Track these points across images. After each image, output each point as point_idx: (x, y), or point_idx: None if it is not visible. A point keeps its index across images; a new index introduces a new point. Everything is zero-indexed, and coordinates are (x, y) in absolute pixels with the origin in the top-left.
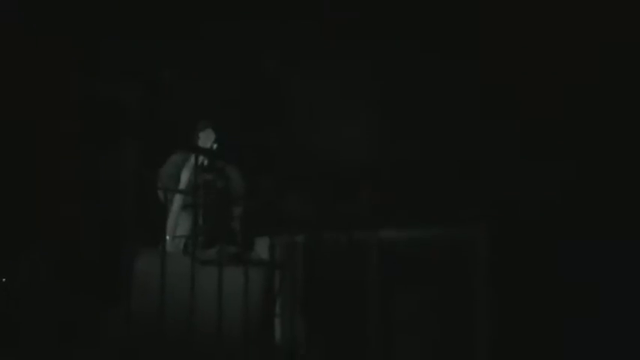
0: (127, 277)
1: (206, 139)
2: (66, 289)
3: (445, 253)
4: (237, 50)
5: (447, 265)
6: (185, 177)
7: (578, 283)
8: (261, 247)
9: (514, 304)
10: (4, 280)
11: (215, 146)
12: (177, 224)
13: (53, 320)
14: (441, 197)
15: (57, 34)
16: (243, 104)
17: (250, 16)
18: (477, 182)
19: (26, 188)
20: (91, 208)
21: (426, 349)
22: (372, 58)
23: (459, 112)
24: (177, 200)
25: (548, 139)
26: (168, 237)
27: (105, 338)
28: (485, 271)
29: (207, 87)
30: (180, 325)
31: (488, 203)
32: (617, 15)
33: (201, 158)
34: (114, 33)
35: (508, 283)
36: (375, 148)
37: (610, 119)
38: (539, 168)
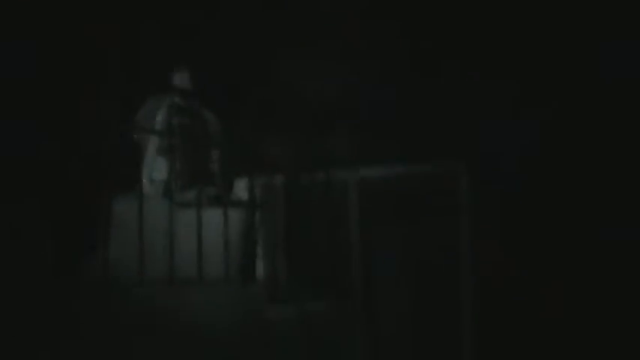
0: (105, 220)
1: (182, 81)
2: (44, 235)
3: (426, 190)
4: None
5: (429, 202)
6: (161, 119)
7: (559, 215)
8: (241, 189)
9: (496, 240)
10: None
11: (191, 88)
12: (155, 168)
13: (31, 270)
14: (421, 134)
15: None
16: (218, 46)
17: None
18: (458, 119)
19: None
20: (68, 152)
21: (406, 285)
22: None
23: (439, 51)
24: (154, 143)
25: (526, 77)
26: (145, 180)
27: (85, 284)
28: (467, 208)
29: (183, 30)
30: (160, 267)
31: (469, 140)
32: None
33: (177, 100)
34: None
35: (489, 218)
36: (355, 86)
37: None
38: (519, 105)
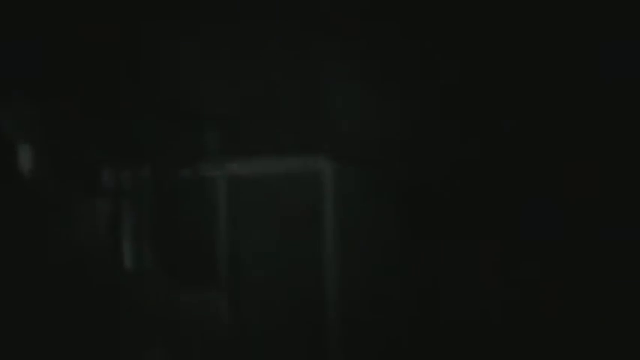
0: None
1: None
2: None
3: (292, 186)
4: None
5: (295, 198)
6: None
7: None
8: (108, 179)
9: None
10: None
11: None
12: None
13: None
14: (287, 128)
15: None
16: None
17: None
18: (320, 112)
19: None
20: None
21: (273, 280)
22: None
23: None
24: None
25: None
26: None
27: None
28: (333, 204)
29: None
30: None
31: (333, 134)
32: None
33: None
34: None
35: (355, 216)
36: (222, 79)
37: None
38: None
